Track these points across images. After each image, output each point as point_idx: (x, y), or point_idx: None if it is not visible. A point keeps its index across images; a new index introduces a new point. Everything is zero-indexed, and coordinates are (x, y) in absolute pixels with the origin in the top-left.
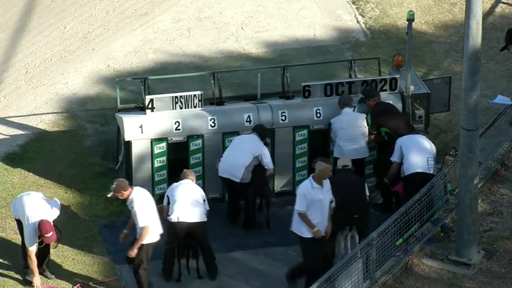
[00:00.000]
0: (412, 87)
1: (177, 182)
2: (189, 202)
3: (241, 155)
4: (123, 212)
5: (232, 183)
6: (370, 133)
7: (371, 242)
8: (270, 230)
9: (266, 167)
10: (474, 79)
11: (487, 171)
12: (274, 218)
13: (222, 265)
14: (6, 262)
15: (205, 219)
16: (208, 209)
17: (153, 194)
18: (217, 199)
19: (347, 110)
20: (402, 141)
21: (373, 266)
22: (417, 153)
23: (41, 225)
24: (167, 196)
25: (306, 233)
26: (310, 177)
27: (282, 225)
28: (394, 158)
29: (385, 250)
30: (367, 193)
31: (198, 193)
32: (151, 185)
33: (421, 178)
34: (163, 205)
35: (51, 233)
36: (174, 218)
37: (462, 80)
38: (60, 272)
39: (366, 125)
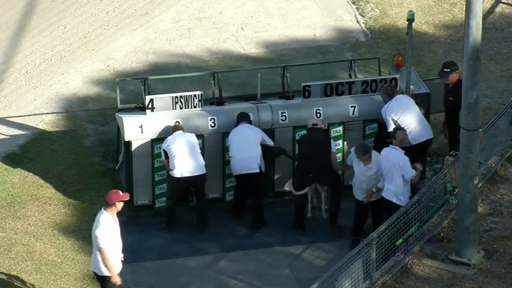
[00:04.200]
0: (412, 87)
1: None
2: (188, 155)
3: (251, 147)
4: (123, 212)
5: (249, 177)
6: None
7: (371, 242)
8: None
9: (271, 145)
10: (474, 79)
11: (487, 171)
12: (274, 218)
13: (222, 265)
14: (6, 262)
15: (205, 171)
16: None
17: (153, 194)
18: (217, 199)
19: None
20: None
21: (373, 266)
22: (416, 119)
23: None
24: (163, 151)
25: None
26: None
27: (281, 225)
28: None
29: (385, 250)
30: (333, 150)
31: (195, 142)
32: (151, 185)
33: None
34: (163, 159)
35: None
36: (177, 173)
37: (462, 80)
38: (60, 272)
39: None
